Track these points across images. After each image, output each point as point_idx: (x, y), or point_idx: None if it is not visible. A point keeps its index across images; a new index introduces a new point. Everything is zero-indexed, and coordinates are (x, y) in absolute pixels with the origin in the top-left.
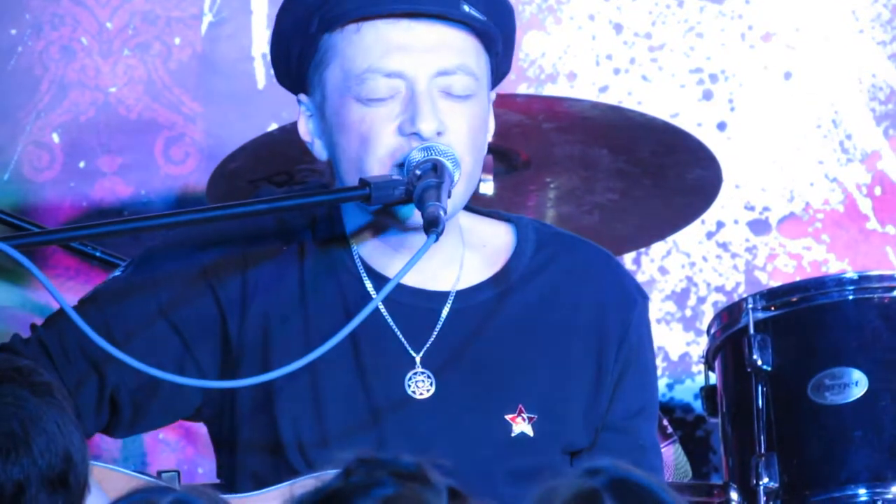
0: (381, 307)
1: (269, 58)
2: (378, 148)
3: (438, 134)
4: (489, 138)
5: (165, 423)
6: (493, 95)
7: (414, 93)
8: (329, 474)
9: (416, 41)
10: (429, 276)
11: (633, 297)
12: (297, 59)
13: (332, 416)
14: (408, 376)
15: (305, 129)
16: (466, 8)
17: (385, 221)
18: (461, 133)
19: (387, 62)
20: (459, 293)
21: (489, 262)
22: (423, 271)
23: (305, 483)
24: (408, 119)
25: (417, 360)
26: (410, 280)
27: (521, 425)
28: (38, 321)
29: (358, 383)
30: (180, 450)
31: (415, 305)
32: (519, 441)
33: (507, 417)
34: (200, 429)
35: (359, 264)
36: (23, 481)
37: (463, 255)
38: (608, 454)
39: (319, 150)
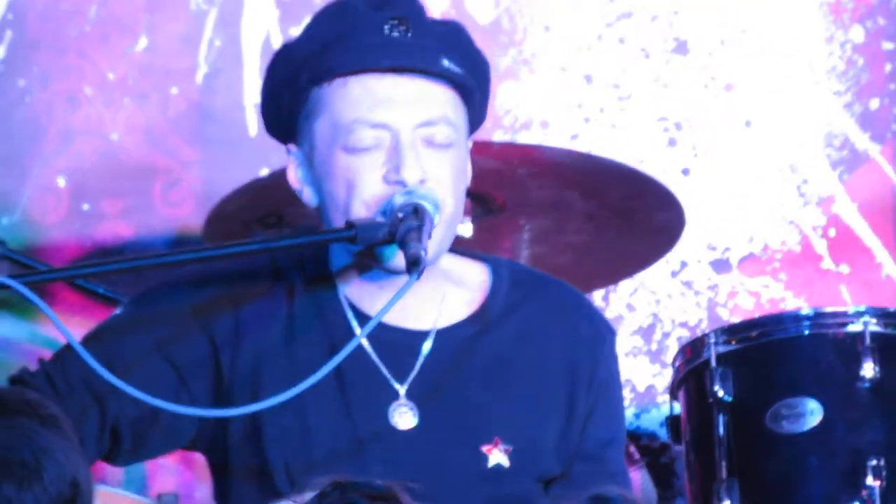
0: (366, 344)
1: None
2: (364, 194)
3: (421, 182)
4: (467, 183)
5: (163, 452)
6: (469, 143)
7: (398, 143)
8: (306, 496)
9: (400, 94)
10: (410, 314)
11: (602, 334)
12: (287, 111)
13: (319, 446)
14: (392, 407)
15: (295, 177)
16: (446, 63)
17: (369, 262)
18: (443, 180)
19: (373, 114)
20: (440, 332)
21: (467, 301)
22: (404, 309)
23: None
24: (392, 168)
25: (402, 391)
26: (393, 319)
27: (498, 456)
28: (46, 354)
29: (343, 415)
30: (179, 474)
31: (397, 342)
32: (495, 471)
33: (484, 449)
34: (199, 454)
35: (344, 303)
36: None
37: (443, 295)
38: (580, 482)
39: (309, 197)
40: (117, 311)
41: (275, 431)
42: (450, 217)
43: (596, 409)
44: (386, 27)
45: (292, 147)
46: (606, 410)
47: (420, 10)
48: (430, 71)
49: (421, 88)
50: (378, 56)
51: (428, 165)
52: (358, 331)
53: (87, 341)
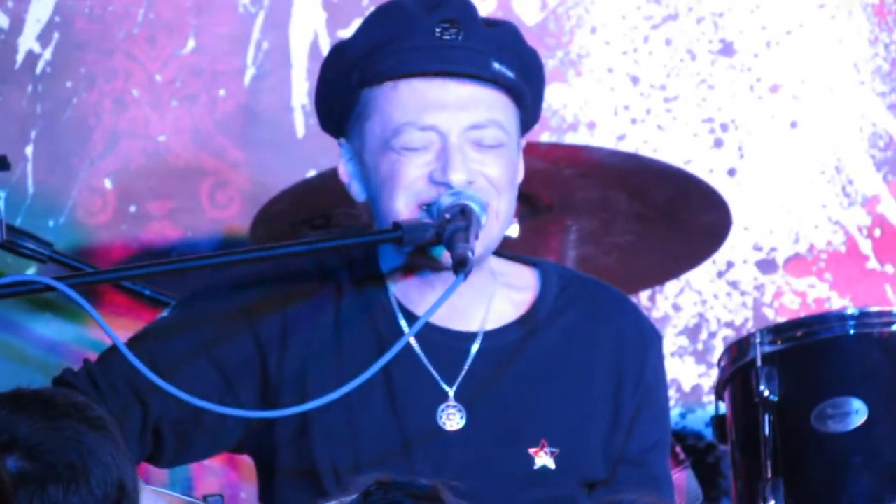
0: (414, 344)
1: (307, 108)
2: (409, 191)
3: (469, 183)
4: (518, 183)
5: (208, 454)
6: (522, 143)
7: (446, 145)
8: (350, 496)
9: (449, 98)
10: (458, 315)
11: (650, 338)
12: (339, 110)
13: (366, 446)
14: (440, 408)
15: (345, 172)
16: (497, 66)
17: (419, 261)
18: (491, 180)
19: (422, 117)
20: (487, 333)
21: (515, 303)
22: (453, 310)
23: None
24: (439, 168)
25: (451, 393)
26: (441, 320)
27: (544, 458)
28: (92, 356)
29: (391, 415)
30: (224, 475)
31: (445, 344)
32: (541, 473)
33: (531, 451)
34: (244, 456)
35: (394, 303)
36: None
37: (492, 297)
38: (624, 486)
39: (357, 192)
40: (164, 312)
41: (322, 432)
42: (501, 216)
43: (641, 413)
44: (437, 30)
45: (343, 142)
46: (651, 414)
47: (472, 12)
48: (481, 76)
49: (470, 92)
50: (428, 60)
51: (476, 166)
52: (406, 330)
53: (133, 342)
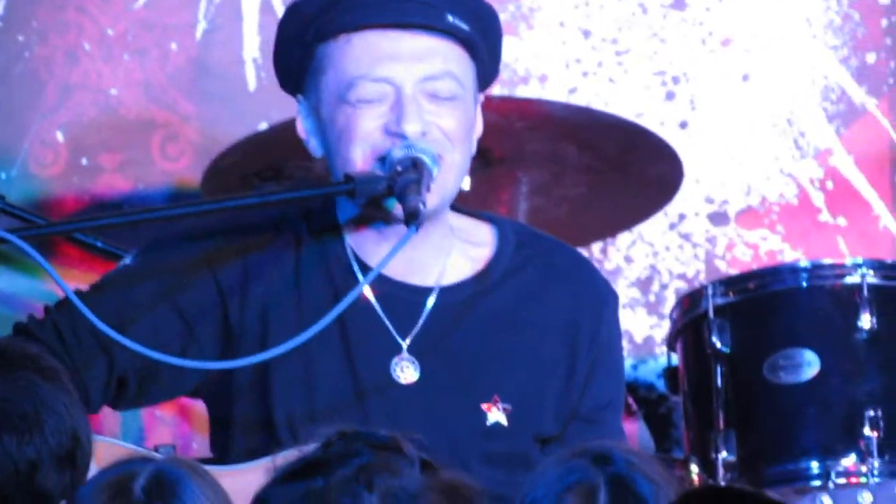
0: (370, 297)
1: (259, 62)
2: (364, 144)
3: (422, 134)
4: (476, 137)
5: (167, 398)
6: (480, 98)
7: (400, 96)
8: (310, 447)
9: (403, 50)
10: (415, 269)
11: (605, 296)
12: (296, 67)
13: (321, 396)
14: (394, 361)
15: (302, 128)
16: (451, 18)
17: (372, 213)
18: (446, 132)
19: (375, 69)
20: (443, 289)
21: (472, 260)
22: (409, 264)
23: (288, 455)
24: (394, 120)
25: (404, 346)
26: (397, 274)
27: (496, 414)
28: (39, 310)
29: (346, 367)
30: (176, 426)
31: (401, 297)
32: (493, 429)
33: (484, 406)
34: (195, 406)
35: (349, 253)
36: (35, 460)
37: (448, 252)
38: (577, 443)
39: (314, 147)
40: (125, 260)
41: (280, 382)
42: (455, 168)
43: (596, 371)
44: None
45: (301, 98)
46: (606, 373)
47: None
48: (435, 27)
49: (425, 44)
50: (382, 12)
51: (430, 118)
52: (361, 279)
53: (95, 290)
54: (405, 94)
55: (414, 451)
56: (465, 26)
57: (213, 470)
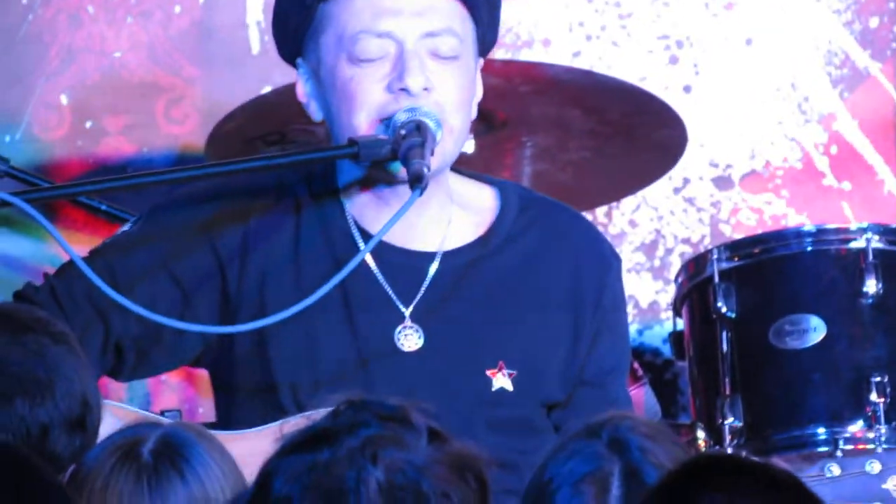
0: (372, 264)
1: (262, 25)
2: (367, 104)
3: (426, 90)
4: (476, 102)
5: (167, 368)
6: (480, 62)
7: (403, 52)
8: (318, 414)
9: (404, 5)
10: (417, 235)
11: (609, 261)
12: (295, 28)
13: (324, 365)
14: (397, 329)
15: (302, 91)
16: None
17: (376, 175)
18: (448, 91)
19: (377, 24)
20: (446, 254)
21: (474, 224)
22: (411, 230)
23: (296, 422)
24: (396, 76)
25: (407, 314)
26: (399, 240)
27: (502, 380)
28: (49, 270)
29: (349, 334)
30: (182, 391)
31: (403, 264)
32: (499, 395)
33: (489, 372)
34: (202, 371)
35: (349, 219)
36: (47, 423)
37: (450, 217)
38: (582, 408)
39: (314, 111)
40: (125, 226)
41: (281, 349)
42: (456, 132)
43: (600, 336)
44: None
45: (300, 62)
46: (610, 337)
47: None
48: None
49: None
50: None
51: (433, 76)
52: (362, 246)
53: (92, 256)
54: (407, 49)
55: (422, 421)
56: None
57: (219, 435)
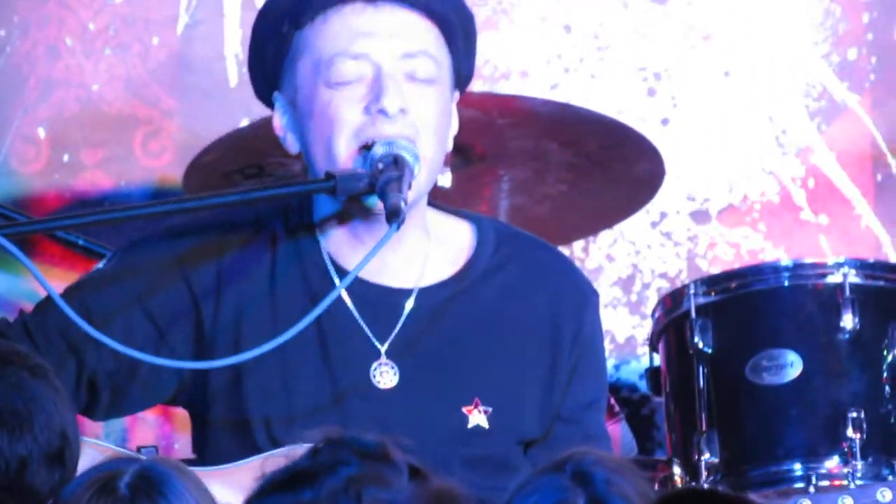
0: (347, 301)
1: (240, 57)
2: (345, 126)
3: (402, 111)
4: (452, 135)
5: (143, 407)
6: (456, 96)
7: (379, 73)
8: (297, 448)
9: (380, 26)
10: (392, 271)
11: (587, 295)
12: (272, 59)
13: (299, 401)
14: (373, 366)
15: (279, 125)
16: None
17: (352, 210)
18: (424, 114)
19: (353, 46)
20: (422, 290)
21: (451, 260)
22: (387, 267)
23: (276, 459)
24: (373, 98)
25: (383, 351)
26: (374, 276)
27: (477, 417)
28: (27, 306)
29: (324, 371)
30: (158, 426)
31: (379, 300)
32: (474, 432)
33: (464, 409)
34: (178, 408)
35: (325, 255)
36: (26, 457)
37: (426, 253)
38: (559, 444)
39: (291, 143)
40: (100, 263)
41: (256, 385)
42: (430, 163)
43: (577, 372)
44: None
45: (277, 94)
46: (588, 373)
47: None
48: (410, 1)
49: (401, 19)
50: None
51: (409, 98)
52: (338, 283)
53: (67, 293)
54: (384, 71)
55: (402, 458)
56: (440, 6)
57: (197, 471)
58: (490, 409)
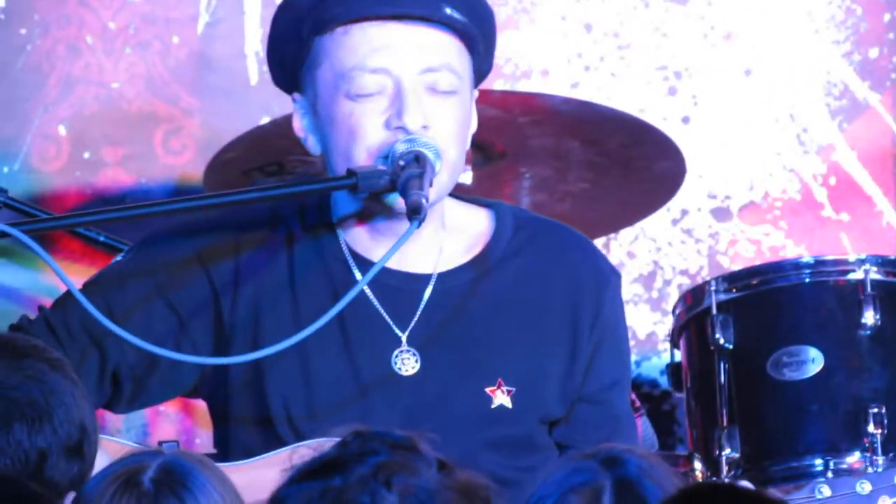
0: (367, 289)
1: (261, 55)
2: (366, 140)
3: (424, 128)
4: (472, 133)
5: (164, 399)
6: (475, 93)
7: (400, 89)
8: (325, 442)
9: (401, 41)
10: (411, 259)
11: (607, 276)
12: (291, 62)
13: (321, 392)
14: (394, 354)
15: (299, 126)
16: (448, 10)
17: (373, 208)
18: (446, 128)
19: (374, 60)
20: (441, 275)
21: (469, 246)
22: (405, 255)
23: (304, 451)
24: (394, 114)
25: (403, 338)
26: (394, 264)
27: (501, 398)
28: (47, 302)
29: (346, 361)
30: (179, 421)
31: (398, 287)
32: (498, 412)
33: (488, 390)
34: (199, 402)
35: (345, 250)
36: (45, 449)
37: (444, 239)
38: (584, 424)
39: (313, 145)
40: (118, 257)
41: (277, 378)
42: (452, 165)
43: (600, 351)
44: None
45: (297, 96)
46: (610, 352)
47: None
48: (432, 18)
49: (423, 35)
50: (380, 3)
51: (430, 112)
52: (359, 276)
53: (87, 287)
54: (404, 86)
55: (430, 450)
56: (462, 18)
57: (223, 466)
58: (513, 389)
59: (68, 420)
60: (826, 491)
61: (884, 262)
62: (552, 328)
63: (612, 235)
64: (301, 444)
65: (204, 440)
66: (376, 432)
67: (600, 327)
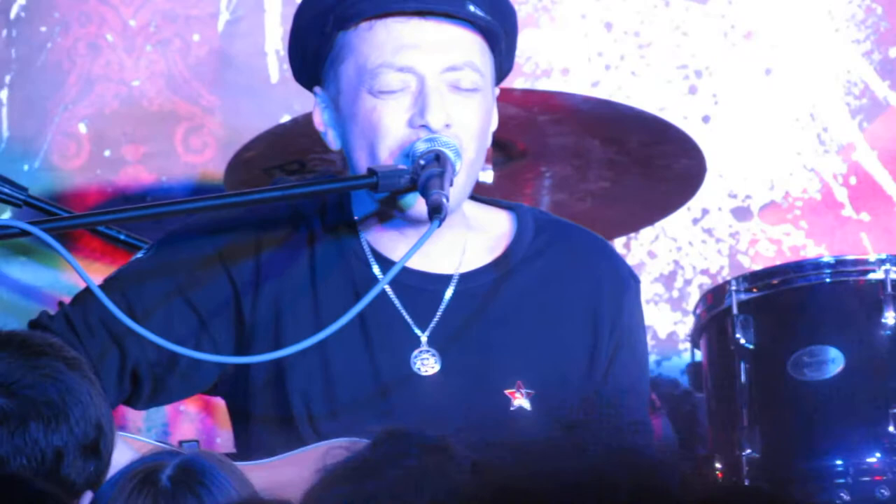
0: (388, 289)
1: (281, 53)
2: (388, 138)
3: (446, 126)
4: (493, 131)
5: (184, 396)
6: (496, 91)
7: (424, 87)
8: (360, 443)
9: (425, 38)
10: (433, 259)
11: (626, 280)
12: (313, 56)
13: (342, 392)
14: (414, 354)
15: (320, 120)
16: (472, 8)
17: (393, 207)
18: (468, 126)
19: (398, 58)
20: (462, 276)
21: (490, 248)
22: (427, 255)
23: (337, 451)
24: (417, 112)
25: (423, 339)
26: (415, 264)
27: (520, 400)
28: (67, 300)
29: (366, 361)
30: (200, 421)
31: (420, 287)
32: (517, 414)
33: (507, 392)
34: (219, 401)
35: (366, 249)
36: (62, 448)
37: (465, 241)
38: None
39: (332, 140)
40: (139, 254)
41: (297, 377)
42: (472, 163)
43: (618, 357)
44: None
45: (318, 90)
46: (629, 358)
47: None
48: (456, 15)
49: (446, 33)
50: (403, 0)
51: (453, 111)
52: (380, 276)
53: (107, 284)
54: (428, 84)
55: (462, 452)
56: (485, 16)
57: (241, 465)
58: (532, 392)
59: (85, 419)
60: (846, 496)
61: None
62: (572, 331)
63: (633, 235)
64: (334, 441)
65: (224, 439)
66: (409, 433)
67: (619, 332)
